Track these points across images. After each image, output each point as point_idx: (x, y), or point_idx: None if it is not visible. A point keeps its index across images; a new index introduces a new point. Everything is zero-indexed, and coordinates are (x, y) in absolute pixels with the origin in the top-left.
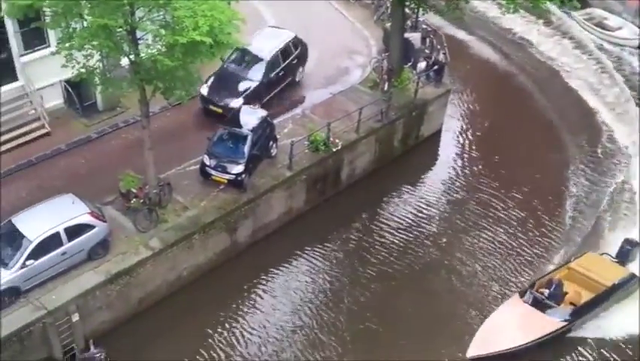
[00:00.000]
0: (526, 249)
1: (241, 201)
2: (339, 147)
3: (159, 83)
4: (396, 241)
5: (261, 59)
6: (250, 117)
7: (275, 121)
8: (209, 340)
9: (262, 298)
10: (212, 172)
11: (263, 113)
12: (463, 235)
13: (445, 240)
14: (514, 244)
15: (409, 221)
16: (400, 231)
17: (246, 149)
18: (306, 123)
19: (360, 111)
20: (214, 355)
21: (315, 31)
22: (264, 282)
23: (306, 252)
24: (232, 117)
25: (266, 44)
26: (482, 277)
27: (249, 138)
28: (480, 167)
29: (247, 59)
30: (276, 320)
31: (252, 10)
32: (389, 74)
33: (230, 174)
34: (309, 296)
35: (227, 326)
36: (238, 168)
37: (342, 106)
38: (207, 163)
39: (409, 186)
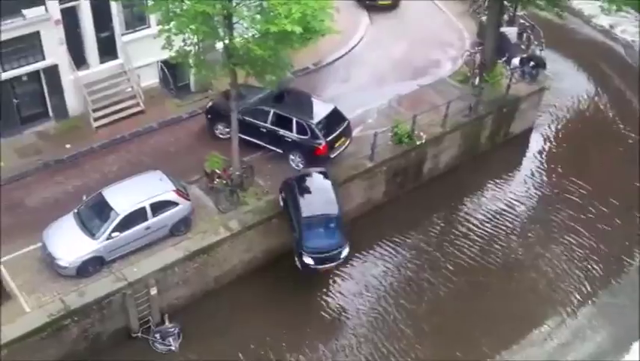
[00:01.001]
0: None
1: None
2: (424, 141)
3: (251, 68)
4: (480, 237)
5: None
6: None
7: (360, 110)
8: (281, 324)
9: (338, 284)
10: None
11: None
12: (551, 236)
13: (531, 239)
14: (602, 250)
15: (494, 217)
16: (483, 226)
17: None
18: (392, 115)
19: (448, 105)
20: (285, 338)
21: (407, 22)
22: (341, 269)
23: (385, 242)
24: None
25: None
26: (569, 280)
27: None
28: (571, 169)
29: None
30: (353, 306)
31: None
32: (481, 69)
33: None
34: (388, 285)
35: (299, 310)
36: None
37: (430, 99)
38: None
39: (495, 183)
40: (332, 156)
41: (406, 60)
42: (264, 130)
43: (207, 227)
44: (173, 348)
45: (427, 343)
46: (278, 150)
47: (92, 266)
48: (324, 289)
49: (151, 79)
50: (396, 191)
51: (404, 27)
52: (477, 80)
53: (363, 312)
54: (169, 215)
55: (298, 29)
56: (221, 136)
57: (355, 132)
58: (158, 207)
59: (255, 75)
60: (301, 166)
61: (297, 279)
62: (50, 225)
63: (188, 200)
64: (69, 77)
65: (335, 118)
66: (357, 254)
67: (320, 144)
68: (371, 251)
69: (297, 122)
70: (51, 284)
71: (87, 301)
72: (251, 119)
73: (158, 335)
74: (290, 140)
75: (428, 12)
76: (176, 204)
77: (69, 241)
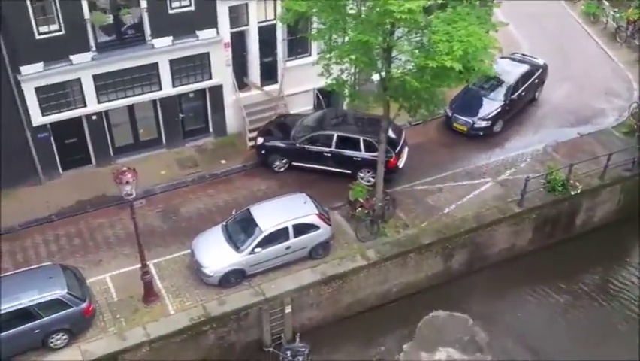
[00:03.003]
0: None
1: (462, 229)
2: (579, 191)
3: (405, 101)
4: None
5: (503, 82)
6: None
7: (513, 153)
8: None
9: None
10: None
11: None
12: None
13: None
14: None
15: None
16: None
17: None
18: (546, 161)
19: (609, 157)
20: None
21: (574, 66)
22: (473, 311)
23: (526, 292)
24: None
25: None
26: None
27: None
28: None
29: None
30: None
31: (507, 38)
32: None
33: None
34: (524, 340)
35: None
36: None
37: (590, 148)
38: None
39: None
40: (400, 166)
41: (567, 106)
42: (328, 154)
43: (345, 254)
44: None
45: None
46: (345, 172)
47: (234, 278)
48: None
49: (306, 105)
50: (544, 241)
51: (569, 71)
52: None
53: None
54: (310, 237)
55: (458, 67)
56: (279, 170)
57: (506, 175)
58: (300, 228)
59: (408, 109)
60: (372, 180)
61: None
62: (200, 234)
63: (329, 225)
64: (231, 97)
65: (396, 130)
66: (493, 300)
67: (391, 157)
68: (508, 299)
69: (364, 141)
70: (194, 290)
71: (226, 311)
72: (312, 147)
73: (289, 353)
74: (359, 159)
75: (596, 58)
76: (317, 227)
77: (215, 252)
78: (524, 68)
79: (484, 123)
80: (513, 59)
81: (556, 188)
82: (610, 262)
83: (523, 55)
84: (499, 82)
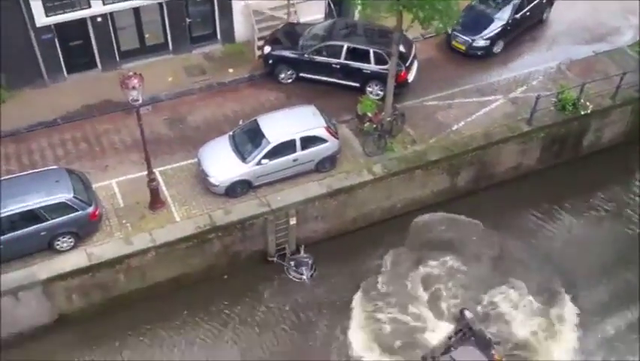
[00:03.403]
0: None
1: (470, 147)
2: (589, 111)
3: (420, 11)
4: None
5: (510, 1)
6: None
7: (526, 70)
8: (412, 274)
9: (468, 247)
10: None
11: None
12: None
13: None
14: None
15: None
16: None
17: None
18: (559, 79)
19: (622, 76)
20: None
21: None
22: (478, 229)
23: (531, 212)
24: None
25: None
26: None
27: None
28: None
29: None
30: (475, 273)
31: None
32: None
33: None
34: (526, 259)
35: (429, 265)
36: None
37: (603, 67)
38: None
39: None
40: (410, 80)
41: (583, 23)
42: (337, 66)
43: (351, 168)
44: (304, 277)
45: None
46: (353, 84)
47: (240, 188)
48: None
49: (316, 14)
50: (551, 160)
51: None
52: None
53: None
54: (317, 150)
55: None
56: (286, 82)
57: (517, 93)
58: (308, 141)
59: (422, 21)
60: (381, 94)
61: (430, 235)
62: (207, 143)
63: (337, 139)
64: (240, 2)
65: (406, 43)
66: (495, 219)
67: (401, 70)
68: (515, 219)
69: (374, 53)
70: (201, 199)
71: (232, 220)
72: (321, 58)
73: (292, 263)
74: (368, 72)
75: None
76: (324, 140)
77: (222, 162)
78: None
79: (482, 43)
80: None
81: (566, 107)
82: (615, 182)
83: None
84: (507, 0)
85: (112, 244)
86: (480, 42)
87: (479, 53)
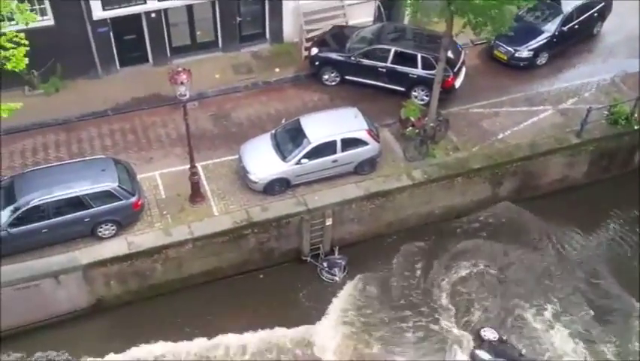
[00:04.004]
0: None
1: (515, 156)
2: None
3: (471, 16)
4: None
5: (559, 12)
6: None
7: (578, 82)
8: (445, 278)
9: (507, 255)
10: None
11: None
12: None
13: None
14: None
15: None
16: None
17: None
18: (612, 92)
19: None
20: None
21: None
22: (519, 241)
23: (572, 224)
24: None
25: None
26: None
27: None
28: None
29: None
30: (510, 285)
31: None
32: None
33: None
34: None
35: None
36: None
37: None
38: None
39: None
40: (457, 86)
41: None
42: (384, 70)
43: (391, 172)
44: (337, 278)
45: None
46: (399, 89)
47: (279, 186)
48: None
49: (366, 17)
50: (600, 175)
51: None
52: None
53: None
54: (357, 153)
55: None
56: (330, 84)
57: (567, 104)
58: (348, 143)
59: (473, 27)
60: (426, 99)
61: (466, 242)
62: (248, 140)
63: (378, 142)
64: (290, 3)
65: (455, 49)
66: (535, 231)
67: (448, 76)
68: (554, 231)
69: (422, 58)
70: (240, 195)
71: (268, 217)
72: (368, 61)
73: (326, 264)
74: (415, 76)
75: None
76: (365, 143)
77: (262, 159)
78: None
79: (525, 54)
80: None
81: (619, 121)
82: None
83: None
84: (556, 12)
85: (152, 234)
86: (523, 53)
87: (521, 64)
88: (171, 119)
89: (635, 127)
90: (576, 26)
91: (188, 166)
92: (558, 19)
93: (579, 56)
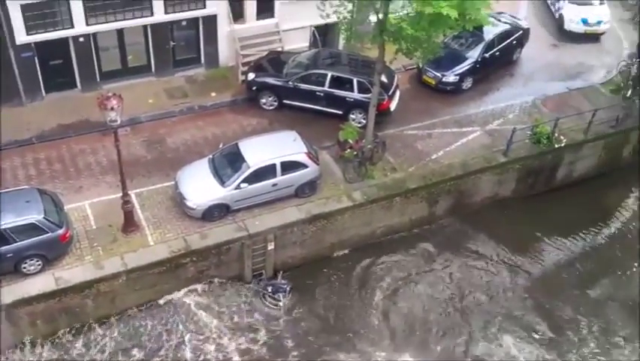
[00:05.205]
0: None
1: (448, 176)
2: (563, 145)
3: (403, 42)
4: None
5: (483, 40)
6: None
7: (503, 104)
8: (387, 301)
9: (441, 276)
10: None
11: None
12: None
13: None
14: None
15: (621, 236)
16: (609, 242)
17: None
18: (534, 113)
19: (594, 113)
20: (389, 317)
21: None
22: (450, 258)
23: (502, 240)
24: None
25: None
26: None
27: None
28: None
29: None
30: (438, 299)
31: None
32: (636, 81)
33: None
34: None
35: (401, 291)
36: None
37: (577, 103)
38: None
39: (633, 201)
40: (392, 109)
41: (558, 61)
42: (321, 94)
43: (331, 194)
44: (280, 304)
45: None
46: (337, 112)
47: (218, 212)
48: (427, 276)
49: (302, 42)
50: (526, 191)
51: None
52: (630, 92)
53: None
54: (297, 176)
55: (454, 14)
56: (268, 108)
57: (493, 125)
58: (288, 166)
59: (405, 53)
60: (364, 122)
61: (407, 261)
62: (185, 166)
63: (318, 164)
64: (226, 28)
65: (389, 73)
66: (472, 247)
67: (383, 99)
68: (487, 247)
69: (358, 82)
70: (177, 222)
71: (208, 245)
72: (306, 85)
73: (270, 288)
74: (352, 100)
75: None
76: (305, 166)
77: (200, 185)
78: (503, 28)
79: (452, 78)
80: (495, 18)
81: (541, 140)
82: (587, 215)
83: (510, 15)
84: (479, 40)
85: (81, 268)
86: (450, 78)
87: (449, 88)
88: (102, 146)
89: (556, 145)
90: (497, 53)
91: (121, 194)
92: (480, 46)
93: (502, 80)
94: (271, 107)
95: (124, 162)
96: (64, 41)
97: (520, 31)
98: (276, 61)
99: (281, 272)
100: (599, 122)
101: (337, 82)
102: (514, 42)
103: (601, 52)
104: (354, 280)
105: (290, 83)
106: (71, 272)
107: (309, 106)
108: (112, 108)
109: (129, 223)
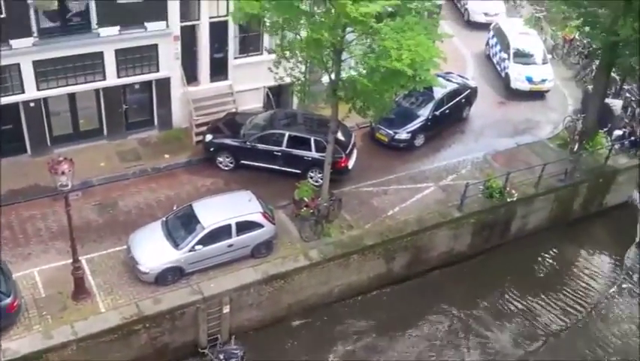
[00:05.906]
0: None
1: (405, 232)
2: (515, 199)
3: (358, 101)
4: (567, 306)
5: (432, 98)
6: None
7: (455, 160)
8: None
9: (396, 338)
10: None
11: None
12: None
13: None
14: None
15: (581, 289)
16: (563, 296)
17: None
18: (485, 168)
19: (544, 167)
20: None
21: None
22: (405, 321)
23: (461, 300)
24: None
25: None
26: None
27: None
28: None
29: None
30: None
31: (453, 49)
32: (581, 136)
33: None
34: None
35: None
36: None
37: (526, 158)
38: None
39: (585, 253)
40: (350, 167)
41: (506, 118)
42: (279, 153)
43: (288, 253)
44: None
45: None
46: (295, 171)
47: (172, 275)
48: (382, 340)
49: (255, 103)
50: (482, 245)
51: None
52: (576, 147)
53: None
54: (253, 236)
55: (410, 71)
56: (225, 168)
57: (447, 181)
58: (244, 226)
59: (358, 111)
60: (321, 182)
61: (369, 323)
62: (138, 229)
63: (273, 224)
64: (179, 90)
65: (345, 131)
66: (429, 310)
67: (340, 157)
68: (445, 308)
69: (315, 141)
70: (129, 288)
71: (161, 310)
72: (264, 145)
73: (222, 356)
74: (310, 158)
75: None
76: (261, 226)
77: (153, 248)
78: (451, 87)
79: (404, 136)
80: (444, 78)
81: (493, 195)
82: (541, 265)
83: (459, 75)
84: (429, 98)
85: (29, 338)
86: (402, 135)
87: (401, 145)
88: (52, 212)
89: (508, 199)
90: (447, 111)
91: (71, 260)
92: (431, 105)
93: (453, 137)
94: (227, 168)
95: (75, 227)
96: (14, 106)
97: (469, 90)
98: (232, 122)
99: (233, 337)
100: (548, 175)
101: (295, 141)
102: (463, 100)
103: (546, 108)
104: (309, 346)
105: (248, 143)
106: (19, 343)
107: (267, 166)
108: (63, 173)
109: (80, 290)
